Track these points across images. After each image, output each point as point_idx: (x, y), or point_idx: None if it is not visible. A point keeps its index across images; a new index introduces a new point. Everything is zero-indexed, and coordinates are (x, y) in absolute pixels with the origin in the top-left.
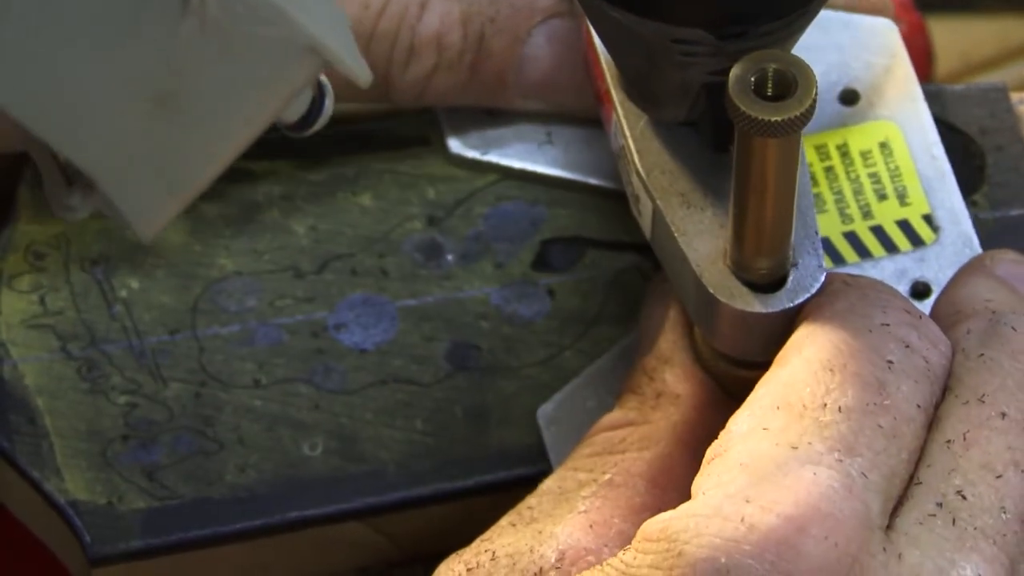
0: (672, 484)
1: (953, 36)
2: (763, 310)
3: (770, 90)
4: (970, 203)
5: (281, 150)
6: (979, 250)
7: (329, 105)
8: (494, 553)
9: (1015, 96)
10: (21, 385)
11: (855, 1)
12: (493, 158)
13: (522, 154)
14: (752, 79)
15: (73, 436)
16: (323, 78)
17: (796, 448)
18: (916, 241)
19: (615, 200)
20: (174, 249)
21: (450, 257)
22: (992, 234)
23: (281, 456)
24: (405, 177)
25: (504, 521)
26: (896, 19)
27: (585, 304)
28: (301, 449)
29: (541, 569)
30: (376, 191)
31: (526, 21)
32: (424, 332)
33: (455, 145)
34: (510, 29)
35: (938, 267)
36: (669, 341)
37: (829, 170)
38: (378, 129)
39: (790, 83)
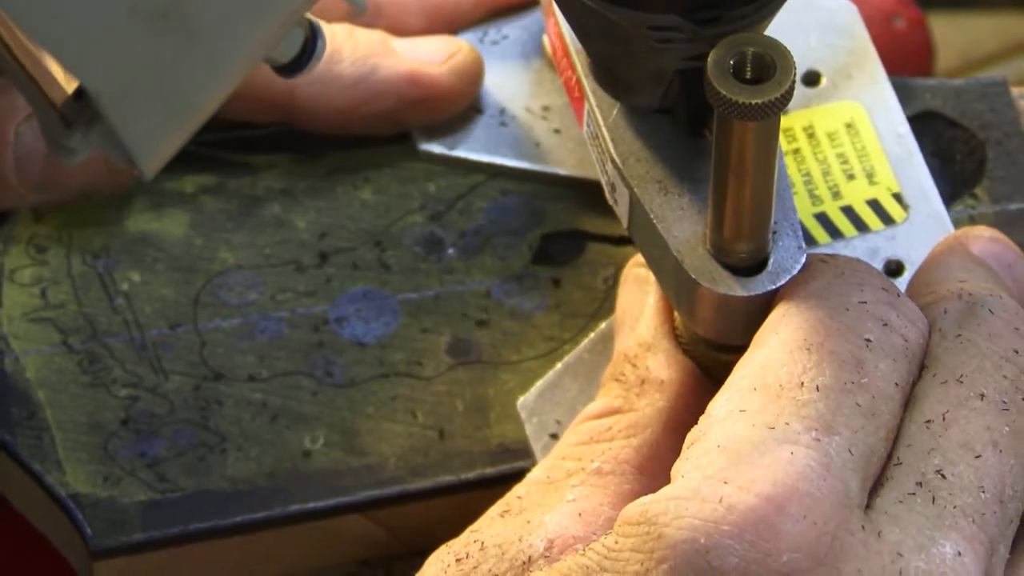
0: (660, 470)
1: (954, 31)
2: (744, 293)
3: (749, 73)
4: (970, 197)
5: (282, 144)
6: (950, 227)
7: (322, 47)
8: (483, 543)
9: (1016, 91)
10: (22, 378)
11: None
12: (460, 153)
13: (488, 148)
14: (730, 62)
15: (74, 429)
16: (316, 20)
17: (773, 428)
18: (887, 219)
19: None
20: (175, 242)
21: (451, 251)
22: (993, 228)
23: (282, 449)
24: (406, 171)
25: (493, 511)
26: (896, 14)
27: (586, 298)
28: (302, 442)
29: (530, 558)
30: (377, 185)
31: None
32: (425, 326)
33: (422, 142)
34: None
35: (910, 245)
36: (650, 327)
37: (796, 152)
38: None
39: (768, 66)
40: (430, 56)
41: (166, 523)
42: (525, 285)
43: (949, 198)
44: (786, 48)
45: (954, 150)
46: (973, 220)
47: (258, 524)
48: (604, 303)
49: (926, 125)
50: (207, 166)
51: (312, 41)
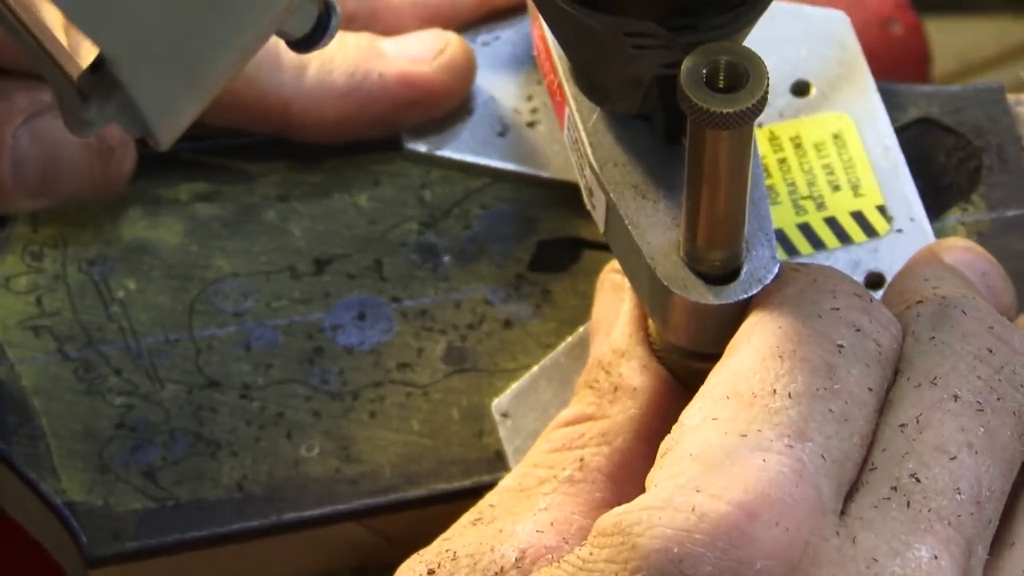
0: (632, 479)
1: (950, 37)
2: (716, 302)
3: (722, 82)
4: (967, 204)
5: (277, 151)
6: (934, 240)
7: (335, 25)
8: (455, 553)
9: (1012, 97)
10: (18, 386)
11: None
12: (447, 153)
13: (476, 148)
14: (704, 71)
15: (70, 437)
16: None
17: (745, 436)
18: (870, 232)
19: None
20: (171, 250)
21: (446, 258)
22: (988, 235)
23: (277, 457)
24: (401, 179)
25: (465, 519)
26: (893, 19)
27: (581, 305)
28: (298, 450)
29: (502, 568)
30: (372, 193)
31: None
32: (420, 333)
33: (409, 141)
34: None
35: (892, 258)
36: (624, 334)
37: (783, 162)
38: None
39: (741, 75)
40: (420, 54)
41: (161, 531)
42: (521, 292)
43: (945, 205)
44: (760, 58)
45: (950, 157)
46: (968, 227)
47: (254, 532)
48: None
49: (922, 132)
50: (202, 173)
51: (326, 17)
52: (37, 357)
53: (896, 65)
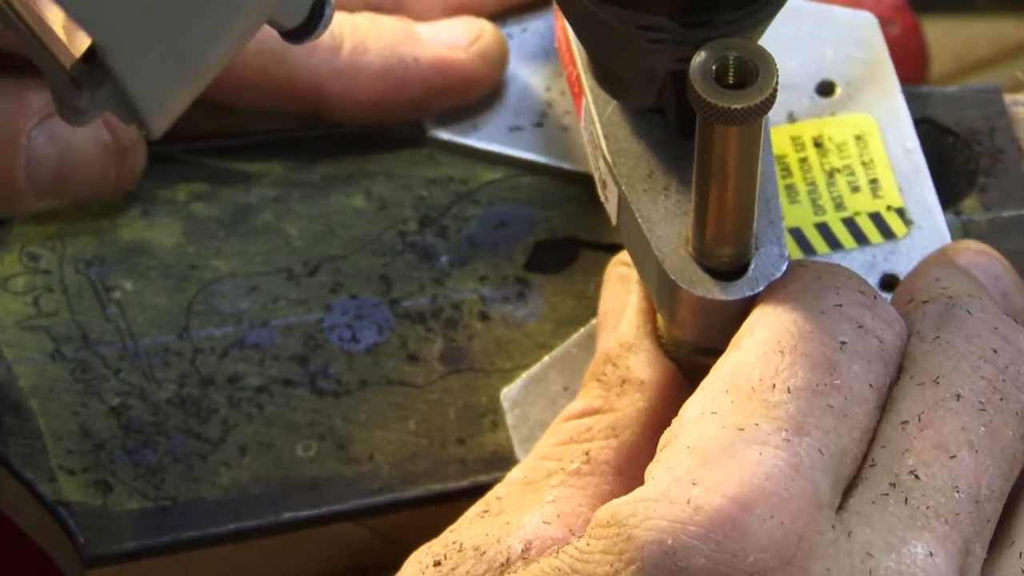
0: (639, 472)
1: (947, 37)
2: (723, 297)
3: (731, 78)
4: (963, 205)
5: (275, 152)
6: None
7: (329, 14)
8: (461, 544)
9: (1009, 98)
10: (15, 387)
11: None
12: (470, 141)
13: (499, 138)
14: (713, 67)
15: (67, 437)
16: None
17: (743, 429)
18: (887, 234)
19: None
20: (168, 251)
21: (443, 258)
22: (985, 236)
23: (275, 457)
24: (398, 179)
25: (472, 512)
26: (890, 20)
27: (579, 305)
28: (295, 450)
29: (508, 559)
30: (369, 193)
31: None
32: (417, 333)
33: (432, 129)
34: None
35: (908, 260)
36: (632, 327)
37: (803, 161)
38: (371, 131)
39: (751, 71)
40: (455, 40)
41: (158, 531)
42: (518, 293)
43: (942, 206)
44: (770, 54)
45: (947, 158)
46: (966, 228)
47: (251, 532)
48: (596, 311)
49: (919, 133)
50: (200, 174)
51: (320, 7)
52: (34, 358)
53: (893, 65)
